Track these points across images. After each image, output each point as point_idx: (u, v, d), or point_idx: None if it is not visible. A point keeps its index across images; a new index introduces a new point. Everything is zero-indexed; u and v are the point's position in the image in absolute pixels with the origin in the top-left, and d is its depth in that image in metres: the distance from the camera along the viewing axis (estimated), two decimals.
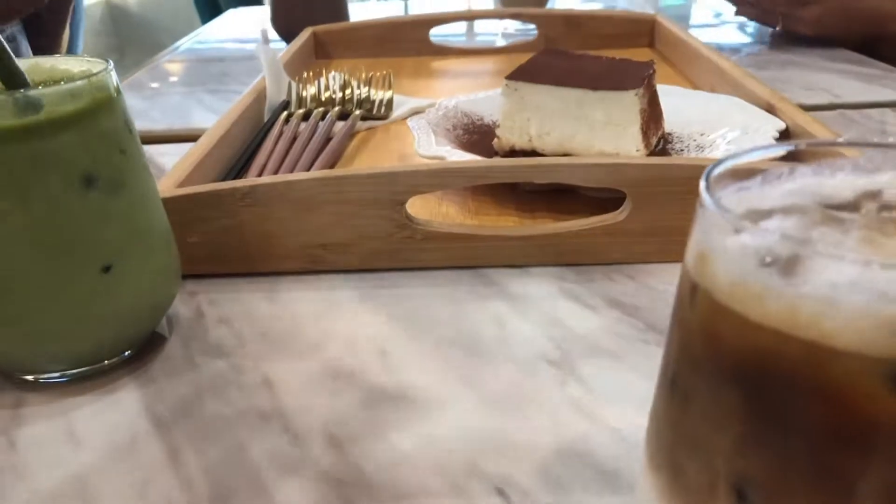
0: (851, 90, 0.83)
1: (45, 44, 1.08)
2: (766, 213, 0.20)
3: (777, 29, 1.07)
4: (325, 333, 0.43)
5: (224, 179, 0.59)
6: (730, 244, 0.19)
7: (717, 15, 1.33)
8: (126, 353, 0.41)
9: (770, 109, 0.63)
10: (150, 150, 0.72)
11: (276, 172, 0.61)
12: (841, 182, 0.21)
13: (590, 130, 0.58)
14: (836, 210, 0.19)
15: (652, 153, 0.59)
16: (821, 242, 0.18)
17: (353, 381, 0.39)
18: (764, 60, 0.98)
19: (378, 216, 0.48)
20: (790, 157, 0.27)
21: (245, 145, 0.67)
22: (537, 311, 0.45)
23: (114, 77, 0.38)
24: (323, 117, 0.72)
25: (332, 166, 0.65)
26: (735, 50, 1.05)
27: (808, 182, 0.21)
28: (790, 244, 0.18)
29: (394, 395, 0.38)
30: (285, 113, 0.74)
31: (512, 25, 1.20)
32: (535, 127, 0.59)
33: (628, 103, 0.57)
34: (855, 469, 0.17)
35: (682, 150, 0.62)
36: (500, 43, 1.13)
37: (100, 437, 0.36)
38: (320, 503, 0.32)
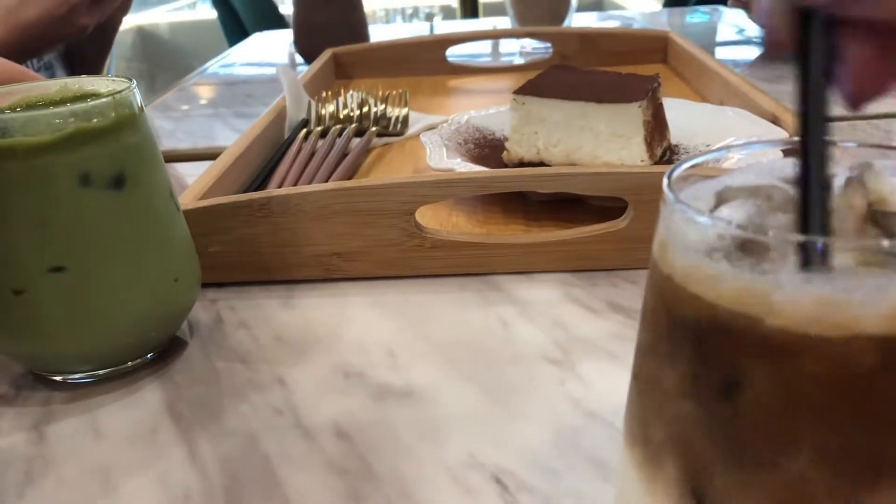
0: None
1: (84, 73, 1.11)
2: (725, 201, 0.22)
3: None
4: (338, 337, 0.46)
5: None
6: (684, 231, 0.20)
7: (740, 31, 1.35)
8: (149, 356, 0.44)
9: (775, 121, 0.65)
10: (175, 168, 0.75)
11: (293, 186, 0.64)
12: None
13: (595, 142, 0.60)
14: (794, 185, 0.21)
15: (657, 164, 0.61)
16: (771, 228, 0.20)
17: (362, 381, 0.41)
18: (776, 76, 0.99)
19: (389, 226, 0.50)
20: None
21: (265, 161, 0.69)
22: (541, 315, 0.46)
23: (137, 95, 0.41)
24: (340, 134, 0.75)
25: (347, 180, 0.67)
26: (750, 65, 1.06)
27: (774, 165, 0.23)
28: (736, 230, 0.19)
29: (401, 393, 0.40)
30: (304, 130, 0.76)
31: (530, 44, 1.22)
32: (542, 139, 0.61)
33: (632, 115, 0.58)
34: (803, 434, 0.19)
35: None
36: (518, 61, 1.15)
37: (122, 431, 0.39)
38: (329, 493, 0.34)
